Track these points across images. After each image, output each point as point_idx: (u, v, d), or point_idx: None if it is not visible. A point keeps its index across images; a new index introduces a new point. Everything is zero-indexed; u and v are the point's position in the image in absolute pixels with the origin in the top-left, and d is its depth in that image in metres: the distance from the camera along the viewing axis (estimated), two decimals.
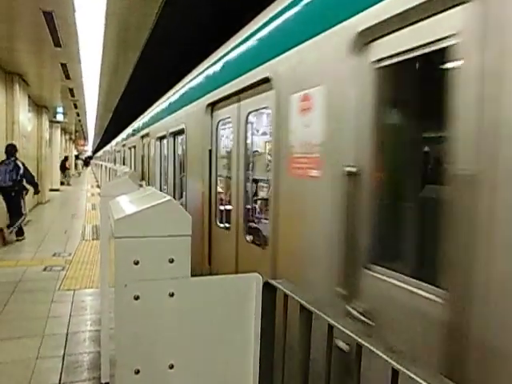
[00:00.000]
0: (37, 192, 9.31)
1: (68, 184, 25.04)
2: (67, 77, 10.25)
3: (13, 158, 8.43)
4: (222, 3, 8.65)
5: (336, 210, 1.99)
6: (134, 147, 11.55)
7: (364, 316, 1.75)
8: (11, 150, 8.53)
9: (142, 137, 9.81)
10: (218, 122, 4.25)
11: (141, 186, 3.72)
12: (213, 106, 4.27)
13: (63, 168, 26.84)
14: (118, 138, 19.02)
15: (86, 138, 42.68)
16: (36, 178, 9.48)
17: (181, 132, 5.66)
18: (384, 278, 1.72)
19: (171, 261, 1.46)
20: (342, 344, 1.74)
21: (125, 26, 6.96)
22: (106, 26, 6.69)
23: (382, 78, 1.86)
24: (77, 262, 7.10)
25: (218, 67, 4.18)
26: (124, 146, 14.98)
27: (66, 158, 26.39)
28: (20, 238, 8.69)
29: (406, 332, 1.57)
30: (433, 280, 1.53)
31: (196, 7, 9.05)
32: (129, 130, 13.97)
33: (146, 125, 9.34)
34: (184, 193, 5.58)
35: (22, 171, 8.38)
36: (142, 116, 10.85)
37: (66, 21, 6.25)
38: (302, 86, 2.35)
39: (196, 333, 1.50)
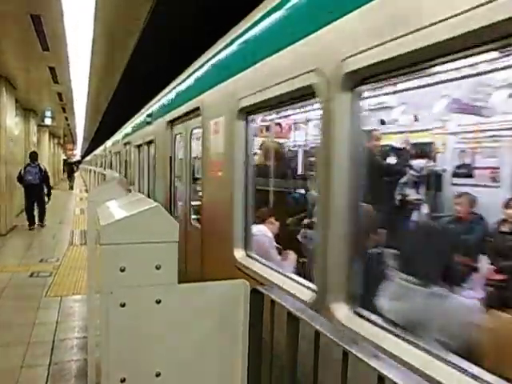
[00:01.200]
0: (49, 197, 11.24)
1: (71, 188, 25.13)
2: (55, 81, 10.16)
3: (37, 163, 10.88)
4: (211, 3, 8.66)
5: None
6: (150, 144, 7.18)
7: None
8: (35, 155, 11.11)
9: (171, 122, 5.45)
10: None
11: (129, 191, 3.69)
12: None
13: (70, 171, 27.24)
14: (117, 135, 13.96)
15: (74, 143, 42.29)
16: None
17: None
18: None
19: (158, 267, 1.45)
20: None
21: (114, 30, 6.94)
22: (94, 29, 6.66)
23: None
24: (65, 267, 7.00)
25: None
26: (127, 144, 10.34)
27: (79, 162, 27.15)
28: (43, 224, 11.06)
29: None
30: None
31: (185, 9, 9.05)
32: (138, 119, 8.91)
33: (184, 99, 4.75)
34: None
35: (43, 173, 10.85)
36: (167, 90, 6.05)
37: (54, 25, 6.21)
38: None
39: (183, 340, 1.49)
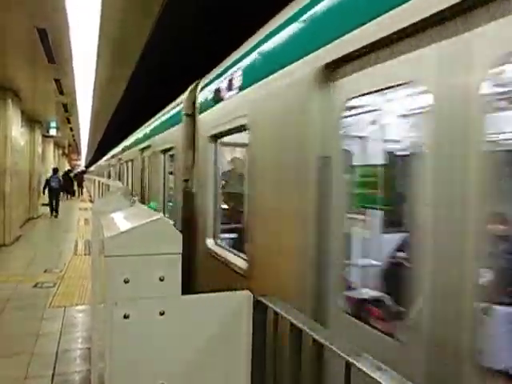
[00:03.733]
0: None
1: (81, 199, 24.83)
2: (61, 92, 10.27)
3: (57, 175, 17.31)
4: (214, 18, 8.76)
5: None
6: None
7: None
8: (56, 170, 17.99)
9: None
10: None
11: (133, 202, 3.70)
12: None
13: (80, 181, 26.84)
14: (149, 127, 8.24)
15: (79, 153, 42.53)
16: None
17: None
18: None
19: (162, 279, 1.46)
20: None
21: (118, 43, 7.02)
22: (99, 42, 6.74)
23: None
24: (68, 277, 7.01)
25: None
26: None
27: (84, 172, 27.03)
28: (57, 216, 16.22)
29: None
30: None
31: (190, 22, 9.16)
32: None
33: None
34: None
35: (61, 182, 17.61)
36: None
37: (59, 38, 6.29)
38: None
39: (186, 351, 1.49)
